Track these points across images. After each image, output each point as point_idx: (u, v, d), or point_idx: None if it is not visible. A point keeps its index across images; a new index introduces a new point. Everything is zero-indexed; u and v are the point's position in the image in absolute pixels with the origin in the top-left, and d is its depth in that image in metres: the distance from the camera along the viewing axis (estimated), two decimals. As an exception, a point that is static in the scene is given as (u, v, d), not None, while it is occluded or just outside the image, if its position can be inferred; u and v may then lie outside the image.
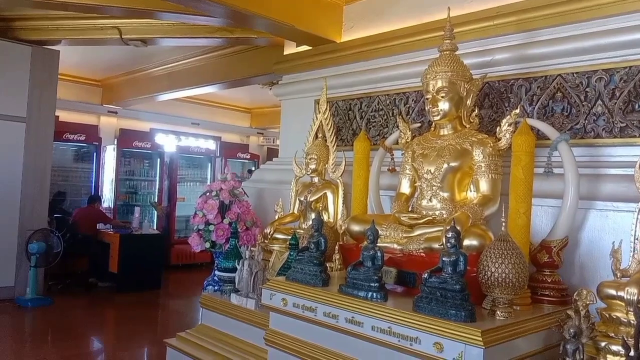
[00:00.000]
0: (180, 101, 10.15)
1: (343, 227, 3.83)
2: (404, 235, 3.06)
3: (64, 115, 8.70)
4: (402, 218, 3.13)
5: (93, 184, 9.13)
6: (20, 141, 6.34)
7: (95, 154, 9.21)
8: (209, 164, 10.74)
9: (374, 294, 2.65)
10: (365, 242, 2.85)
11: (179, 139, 10.78)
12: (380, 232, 2.99)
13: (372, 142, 4.05)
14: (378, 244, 2.81)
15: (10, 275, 6.21)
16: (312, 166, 4.17)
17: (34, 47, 6.45)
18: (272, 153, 8.89)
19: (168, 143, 10.35)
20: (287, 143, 5.26)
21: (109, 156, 9.32)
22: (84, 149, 9.25)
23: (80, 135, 8.90)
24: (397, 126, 3.69)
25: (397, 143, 3.71)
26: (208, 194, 4.80)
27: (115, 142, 9.41)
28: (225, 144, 11.38)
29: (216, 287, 4.44)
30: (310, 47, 4.97)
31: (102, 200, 8.86)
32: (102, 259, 7.41)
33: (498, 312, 2.38)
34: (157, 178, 9.63)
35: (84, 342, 5.21)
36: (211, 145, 11.26)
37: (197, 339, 4.07)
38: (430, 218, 3.08)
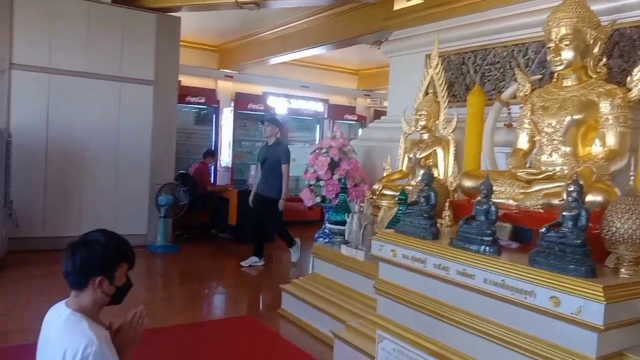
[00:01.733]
0: (290, 64, 10.40)
1: (454, 184, 3.78)
2: (521, 191, 2.97)
3: (185, 80, 9.29)
4: (519, 174, 3.03)
5: (212, 144, 9.75)
6: (149, 103, 6.90)
7: (214, 115, 9.80)
8: (317, 126, 10.98)
9: (487, 248, 2.62)
10: (479, 197, 2.81)
11: (289, 102, 11.10)
12: (495, 187, 2.92)
13: (487, 96, 3.90)
14: (492, 200, 2.76)
15: (143, 225, 6.90)
16: (422, 123, 4.12)
17: (158, 14, 6.92)
18: (378, 115, 8.85)
19: (279, 105, 10.70)
20: (395, 101, 5.23)
21: (226, 118, 9.86)
22: (204, 111, 9.87)
23: (201, 98, 9.50)
24: (515, 79, 3.52)
25: (514, 97, 3.56)
26: (318, 151, 4.96)
27: (232, 105, 9.93)
28: (332, 106, 11.51)
29: (327, 239, 4.62)
30: (422, 0, 4.84)
31: (217, 156, 9.43)
32: (222, 212, 7.97)
33: (622, 269, 2.26)
34: (270, 139, 10.07)
35: (207, 284, 5.72)
36: (319, 107, 11.45)
37: (310, 286, 4.30)
38: (550, 173, 2.96)
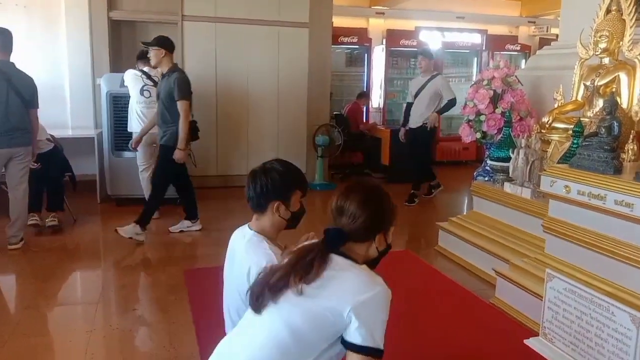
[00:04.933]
0: (444, -7, 9.87)
1: (640, 114, 3.34)
2: None
3: (337, 21, 9.27)
4: None
5: (365, 84, 9.75)
6: (304, 46, 7.07)
7: (366, 55, 9.73)
8: (475, 59, 10.32)
9: (684, 182, 2.30)
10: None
11: (443, 35, 10.56)
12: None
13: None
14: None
15: (302, 164, 7.24)
16: (603, 45, 3.64)
17: (311, -45, 6.96)
18: (545, 43, 7.96)
19: (433, 40, 10.24)
20: (569, 23, 4.67)
21: (378, 57, 9.74)
22: (356, 51, 9.83)
23: (353, 38, 9.46)
24: None
25: None
26: (479, 83, 4.68)
27: (384, 43, 9.75)
28: (491, 37, 10.67)
29: (487, 177, 4.43)
30: None
31: (370, 97, 9.45)
32: (375, 152, 8.06)
33: None
34: (423, 76, 9.78)
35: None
36: (476, 39, 10.69)
37: (468, 224, 4.21)
38: None
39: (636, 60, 3.54)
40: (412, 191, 6.38)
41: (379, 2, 10.09)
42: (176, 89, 4.47)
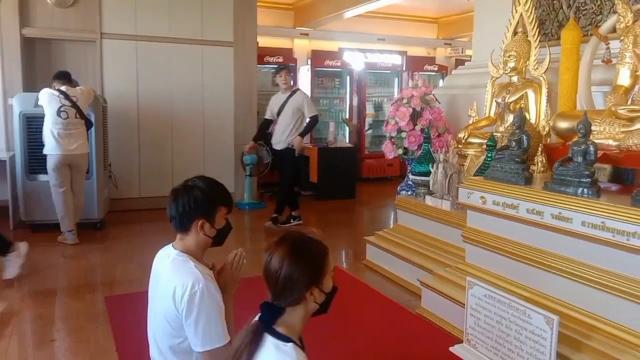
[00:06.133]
0: (366, 17, 10.16)
1: (547, 128, 3.59)
2: (622, 129, 2.78)
3: (262, 41, 9.35)
4: (620, 111, 2.83)
5: (291, 103, 9.84)
6: (229, 65, 7.05)
7: (292, 74, 9.85)
8: (396, 79, 10.72)
9: (585, 190, 2.49)
10: (576, 138, 2.66)
11: (365, 56, 10.89)
12: (593, 127, 2.75)
13: (583, 32, 3.62)
14: (590, 140, 2.60)
15: (230, 183, 7.16)
16: (512, 64, 3.91)
17: (234, -25, 6.99)
18: (460, 64, 8.47)
19: (356, 61, 10.54)
20: (481, 44, 4.98)
21: (304, 76, 9.88)
22: (281, 70, 9.95)
23: (279, 58, 9.54)
24: (614, 10, 3.23)
25: (613, 30, 3.27)
26: (399, 101, 4.86)
27: (309, 63, 9.92)
28: (411, 58, 11.16)
29: (410, 192, 4.59)
30: None
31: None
32: (304, 170, 8.12)
33: None
34: (347, 95, 9.98)
35: (294, 239, 5.91)
36: (397, 60, 11.15)
37: (394, 237, 4.32)
38: (656, 109, 2.73)
39: (541, 78, 3.82)
40: (275, 215, 5.98)
41: (303, 23, 10.27)
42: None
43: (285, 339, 1.46)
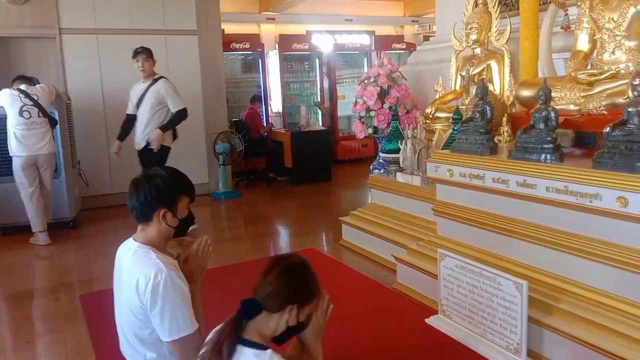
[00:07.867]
0: (332, -2, 10.14)
1: (511, 98, 3.62)
2: (582, 94, 2.81)
3: (228, 28, 9.22)
4: (579, 76, 2.85)
5: (262, 89, 9.76)
6: (195, 53, 6.95)
7: (260, 60, 9.74)
8: (365, 59, 10.69)
9: (548, 156, 2.52)
10: (537, 105, 2.68)
11: (334, 38, 10.83)
12: (553, 93, 2.78)
13: (541, 0, 3.64)
14: (551, 106, 2.63)
15: (204, 174, 7.12)
16: (474, 37, 3.92)
17: (194, -38, 6.85)
18: (427, 41, 8.49)
19: (324, 43, 10.47)
20: (444, 19, 4.98)
21: (273, 61, 9.79)
22: (250, 56, 9.82)
23: (245, 44, 9.43)
24: (571, -24, 3.25)
25: (571, -4, 3.30)
26: (366, 81, 4.85)
27: (277, 47, 9.82)
28: (379, 37, 11.12)
29: (382, 170, 4.60)
30: None
31: (266, 100, 9.46)
32: (278, 156, 8.08)
33: (698, 163, 2.11)
34: (318, 78, 9.94)
35: (271, 223, 5.93)
36: (365, 40, 11.09)
37: (369, 216, 4.34)
38: (614, 72, 2.77)
39: (504, 48, 3.85)
40: None
41: (269, 8, 10.15)
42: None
43: (262, 347, 1.56)
